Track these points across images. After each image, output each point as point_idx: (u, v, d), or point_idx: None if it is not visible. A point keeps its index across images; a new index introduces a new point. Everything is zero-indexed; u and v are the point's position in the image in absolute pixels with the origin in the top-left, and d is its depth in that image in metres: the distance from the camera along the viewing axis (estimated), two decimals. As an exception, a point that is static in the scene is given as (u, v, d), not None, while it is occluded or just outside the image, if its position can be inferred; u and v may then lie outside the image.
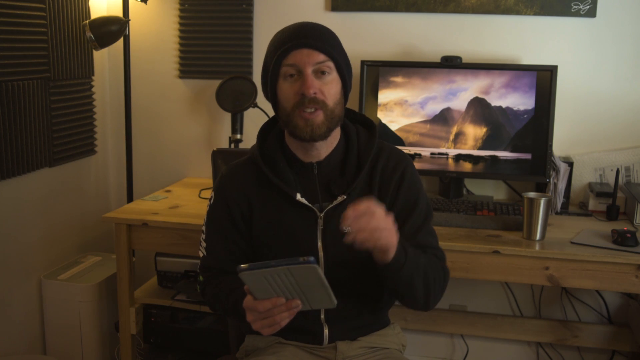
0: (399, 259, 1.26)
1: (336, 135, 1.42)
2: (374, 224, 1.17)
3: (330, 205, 1.40)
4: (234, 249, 1.45)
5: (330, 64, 1.33)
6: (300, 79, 1.32)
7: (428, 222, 1.45)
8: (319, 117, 1.32)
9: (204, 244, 1.48)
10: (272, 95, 1.38)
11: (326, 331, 1.45)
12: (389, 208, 1.37)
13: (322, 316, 1.44)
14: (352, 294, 1.43)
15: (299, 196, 1.38)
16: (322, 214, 1.39)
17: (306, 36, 1.32)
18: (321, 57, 1.32)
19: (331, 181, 1.41)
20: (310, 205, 1.39)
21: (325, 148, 1.41)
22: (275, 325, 1.20)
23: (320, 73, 1.33)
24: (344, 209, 1.24)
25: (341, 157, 1.43)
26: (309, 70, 1.31)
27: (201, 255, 1.49)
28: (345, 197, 1.39)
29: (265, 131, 1.48)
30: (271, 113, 2.34)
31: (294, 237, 1.41)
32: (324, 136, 1.35)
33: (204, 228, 1.49)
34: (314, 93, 1.30)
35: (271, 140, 1.45)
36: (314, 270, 1.13)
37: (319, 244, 1.40)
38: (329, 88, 1.33)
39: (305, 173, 1.42)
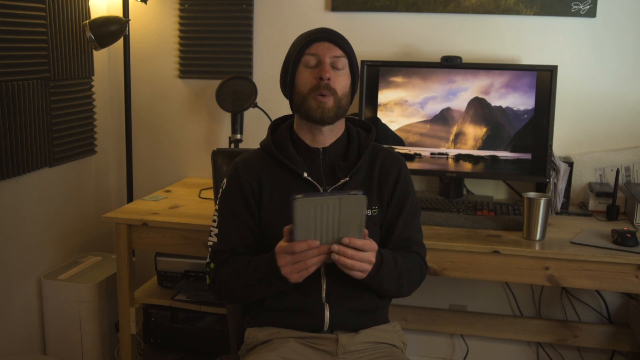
0: (372, 276, 1.41)
1: (340, 126, 1.59)
2: (358, 258, 1.34)
3: (334, 186, 1.53)
4: (245, 230, 1.53)
5: (345, 60, 1.52)
6: (318, 68, 1.50)
7: (417, 218, 1.62)
8: (330, 102, 1.49)
9: (215, 231, 1.55)
10: (290, 80, 1.54)
11: (327, 313, 1.49)
12: (388, 200, 1.56)
13: (323, 294, 1.50)
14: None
15: (305, 174, 1.52)
16: None
17: (329, 32, 1.53)
18: (339, 52, 1.51)
19: (335, 165, 1.55)
20: (315, 183, 1.52)
21: (330, 136, 1.56)
22: (304, 271, 1.33)
23: (335, 66, 1.51)
24: (347, 190, 1.49)
25: (344, 147, 1.59)
26: (327, 60, 1.50)
27: (210, 244, 1.55)
28: (348, 179, 1.53)
29: (276, 125, 1.64)
30: (271, 112, 2.37)
31: None
32: (332, 121, 1.51)
33: (215, 217, 1.57)
34: (329, 79, 1.48)
35: (281, 131, 1.59)
36: (362, 202, 1.25)
37: None
38: (341, 80, 1.51)
39: (312, 158, 1.55)
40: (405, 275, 1.50)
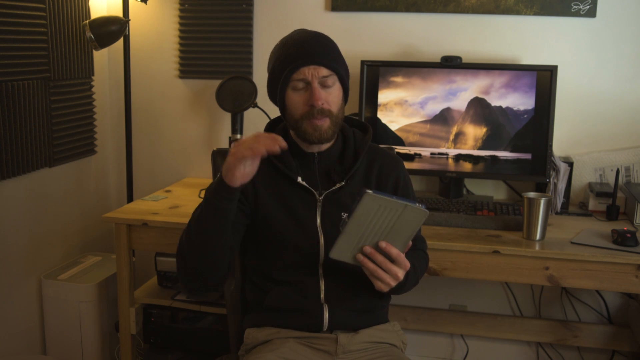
0: (395, 290, 1.43)
1: None
2: (385, 267, 1.34)
3: (330, 190, 1.52)
4: (237, 225, 1.49)
5: (334, 76, 1.48)
6: (308, 90, 1.46)
7: None
8: (326, 123, 1.47)
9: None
10: (280, 101, 1.51)
11: (326, 313, 1.49)
12: None
13: (322, 295, 1.50)
14: (349, 274, 1.49)
15: (299, 179, 1.51)
16: (321, 198, 1.51)
17: (313, 54, 1.45)
18: (326, 71, 1.46)
19: (331, 169, 1.54)
20: (310, 188, 1.52)
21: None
22: (243, 148, 1.30)
23: (324, 85, 1.47)
24: (343, 194, 1.51)
25: (340, 150, 1.57)
26: (316, 83, 1.45)
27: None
28: (343, 183, 1.52)
29: (271, 126, 1.63)
30: (271, 113, 2.36)
31: (296, 217, 1.51)
32: (330, 138, 1.50)
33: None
34: (322, 104, 1.45)
35: (277, 134, 1.54)
36: (422, 218, 1.27)
37: (319, 224, 1.51)
38: (333, 97, 1.48)
39: (307, 162, 1.55)
40: (419, 278, 1.55)
